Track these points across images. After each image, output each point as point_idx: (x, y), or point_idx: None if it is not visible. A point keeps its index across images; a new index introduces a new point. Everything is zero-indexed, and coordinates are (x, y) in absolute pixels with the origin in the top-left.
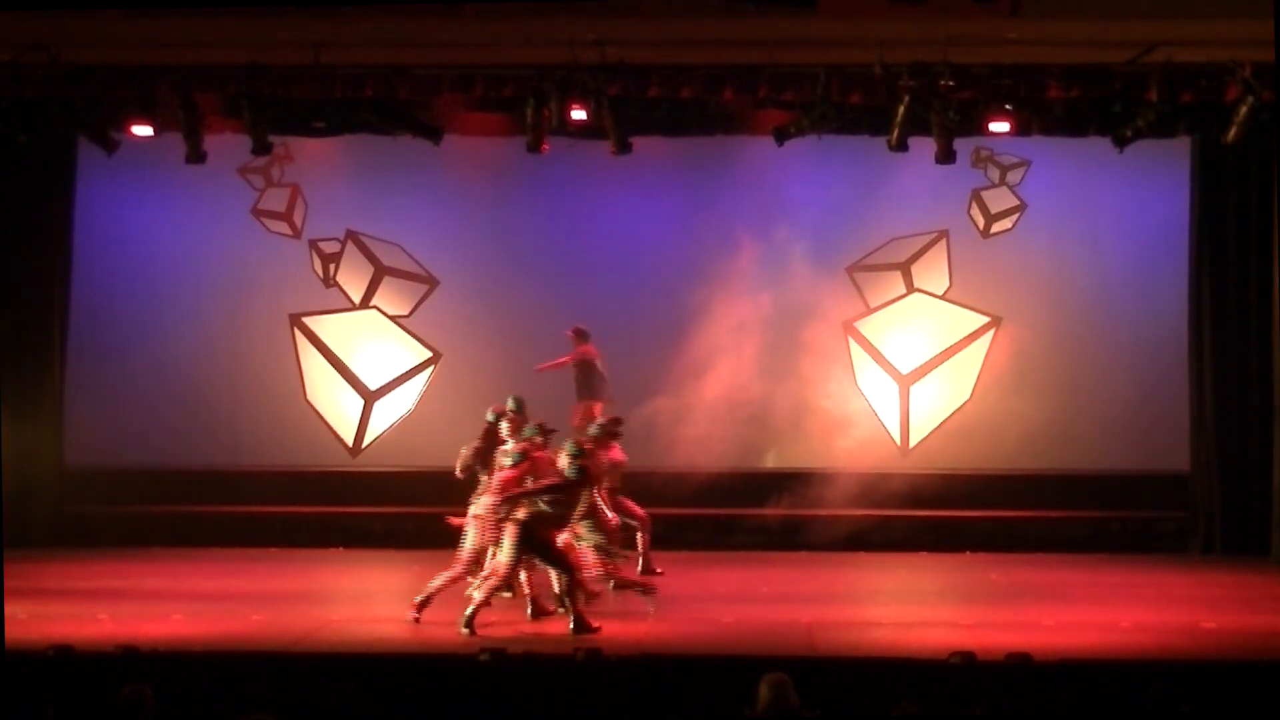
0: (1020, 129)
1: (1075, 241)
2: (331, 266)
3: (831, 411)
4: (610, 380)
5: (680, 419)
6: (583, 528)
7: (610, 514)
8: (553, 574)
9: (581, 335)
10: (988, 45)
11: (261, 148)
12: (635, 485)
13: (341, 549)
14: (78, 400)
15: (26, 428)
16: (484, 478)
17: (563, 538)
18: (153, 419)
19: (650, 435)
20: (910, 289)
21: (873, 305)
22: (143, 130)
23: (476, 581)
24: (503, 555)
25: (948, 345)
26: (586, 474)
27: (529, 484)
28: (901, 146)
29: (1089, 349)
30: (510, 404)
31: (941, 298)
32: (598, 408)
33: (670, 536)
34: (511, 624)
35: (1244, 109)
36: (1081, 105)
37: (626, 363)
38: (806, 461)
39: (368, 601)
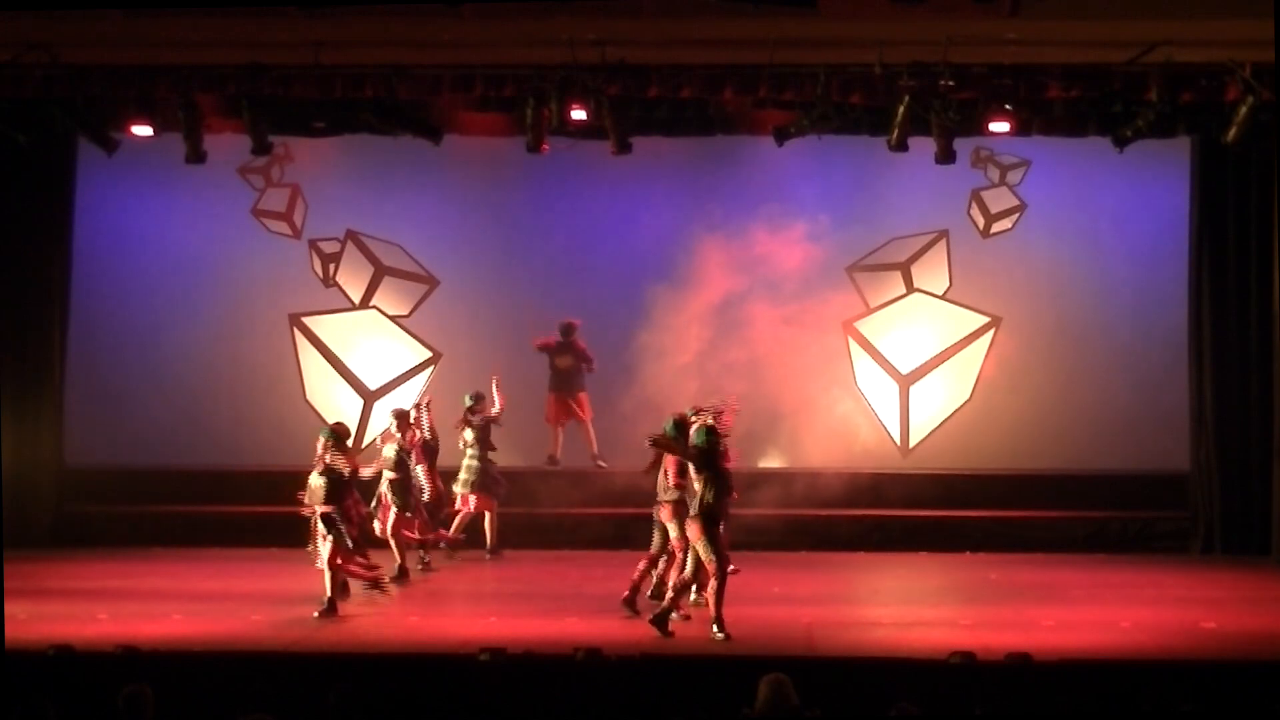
0: (1020, 129)
1: (1075, 241)
2: (331, 266)
3: (831, 411)
4: (605, 379)
5: None
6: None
7: None
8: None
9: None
10: (988, 45)
11: (261, 148)
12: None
13: None
14: (78, 400)
15: (26, 428)
16: None
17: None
18: (153, 419)
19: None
20: (910, 289)
21: (873, 305)
22: (143, 130)
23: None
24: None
25: (948, 345)
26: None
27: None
28: (901, 146)
29: (1089, 349)
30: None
31: (941, 298)
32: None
33: None
34: (512, 623)
35: (1244, 109)
36: (1081, 105)
37: (625, 362)
38: (806, 461)
39: (368, 601)
